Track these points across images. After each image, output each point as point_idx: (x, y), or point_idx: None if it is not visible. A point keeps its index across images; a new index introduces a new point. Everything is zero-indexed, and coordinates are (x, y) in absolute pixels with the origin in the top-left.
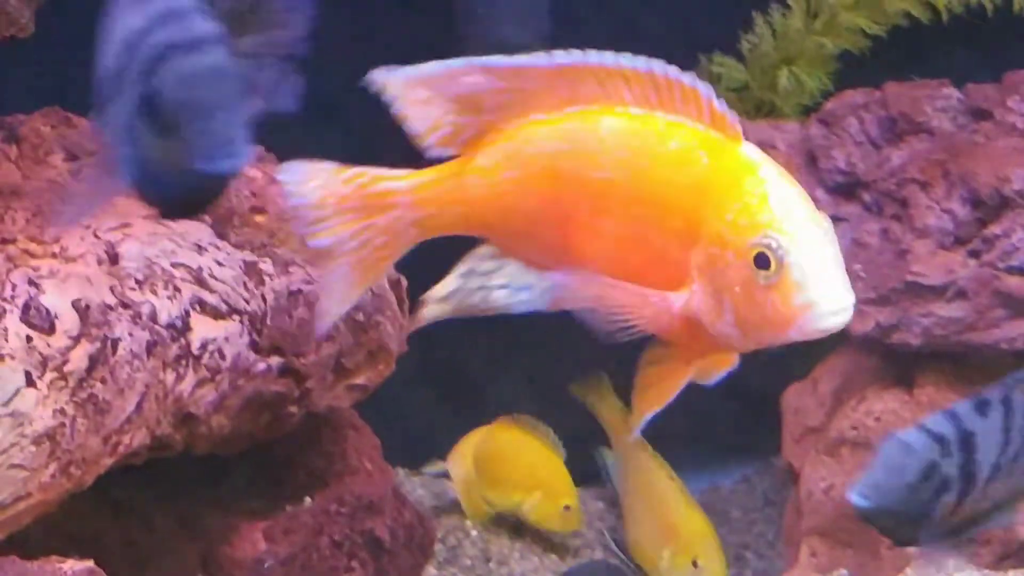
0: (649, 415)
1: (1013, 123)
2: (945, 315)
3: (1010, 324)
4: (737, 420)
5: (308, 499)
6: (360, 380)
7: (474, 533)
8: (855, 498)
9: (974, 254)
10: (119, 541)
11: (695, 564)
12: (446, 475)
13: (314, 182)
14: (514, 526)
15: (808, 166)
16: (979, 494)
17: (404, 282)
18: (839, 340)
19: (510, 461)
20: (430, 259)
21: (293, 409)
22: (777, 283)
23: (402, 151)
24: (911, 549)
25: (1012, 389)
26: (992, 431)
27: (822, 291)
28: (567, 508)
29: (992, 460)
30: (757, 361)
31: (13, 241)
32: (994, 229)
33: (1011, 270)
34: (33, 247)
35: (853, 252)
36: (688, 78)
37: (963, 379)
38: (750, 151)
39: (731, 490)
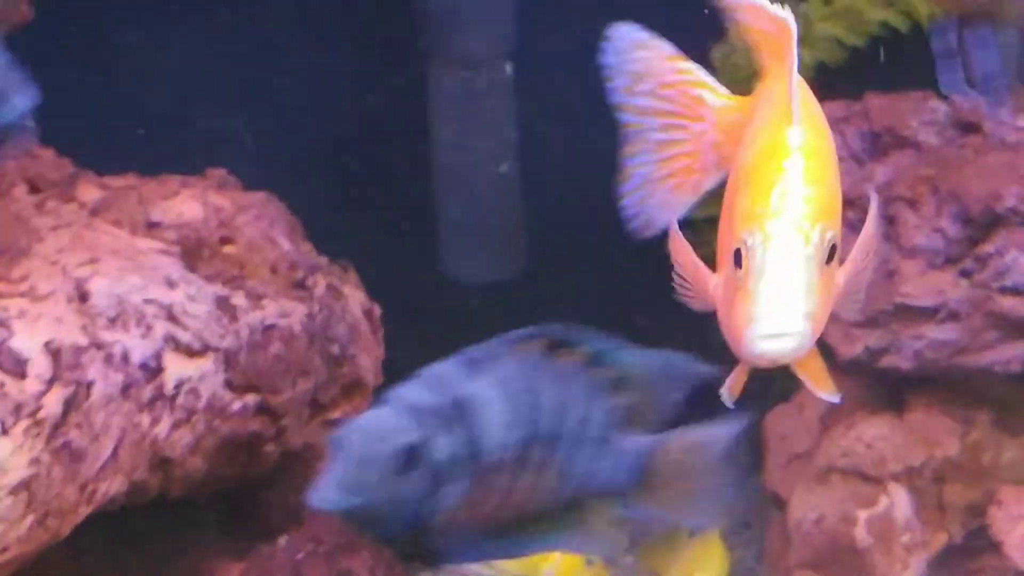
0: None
1: (1002, 137)
2: (937, 338)
3: (1004, 346)
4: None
5: (283, 538)
6: (336, 415)
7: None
8: (316, 500)
9: (965, 274)
10: None
11: None
12: None
13: (641, 53)
14: None
15: None
16: (500, 491)
17: (377, 311)
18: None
19: None
20: None
21: (270, 448)
22: (740, 287)
23: None
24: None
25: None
26: (495, 400)
27: (765, 308)
28: (590, 562)
29: (500, 439)
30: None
31: None
32: (986, 248)
33: (1004, 290)
34: (1, 286)
35: None
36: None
37: (955, 402)
38: (795, 136)
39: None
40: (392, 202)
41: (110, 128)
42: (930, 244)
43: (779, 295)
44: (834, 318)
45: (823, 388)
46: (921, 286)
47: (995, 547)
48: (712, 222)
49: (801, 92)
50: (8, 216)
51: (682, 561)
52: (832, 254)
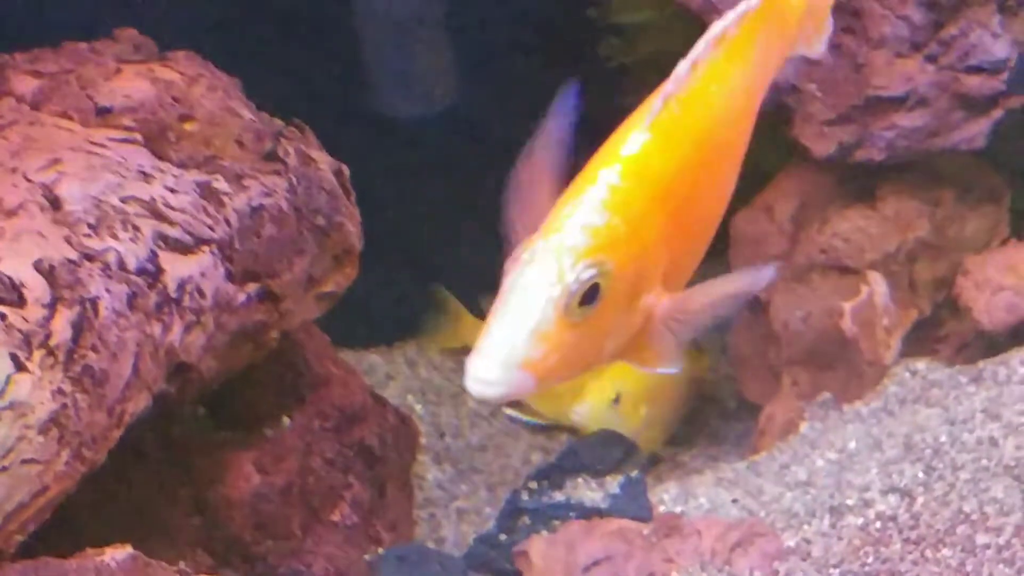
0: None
1: None
2: (907, 125)
3: (968, 124)
4: None
5: (287, 420)
6: (329, 288)
7: (419, 408)
8: None
9: (931, 59)
10: (100, 503)
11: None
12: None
13: None
14: (457, 393)
15: None
16: None
17: (345, 170)
18: (785, 161)
19: None
20: None
21: (273, 334)
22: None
23: None
24: (888, 361)
25: None
26: None
27: (483, 347)
28: (616, 401)
29: None
30: None
31: None
32: (950, 30)
33: (969, 70)
34: None
35: (806, 72)
36: None
37: (923, 185)
38: (631, 143)
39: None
40: (311, 43)
41: None
42: (896, 32)
43: (500, 337)
44: (807, 117)
45: (658, 367)
46: (890, 76)
47: (956, 314)
48: None
49: (704, 81)
50: None
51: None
52: (591, 298)
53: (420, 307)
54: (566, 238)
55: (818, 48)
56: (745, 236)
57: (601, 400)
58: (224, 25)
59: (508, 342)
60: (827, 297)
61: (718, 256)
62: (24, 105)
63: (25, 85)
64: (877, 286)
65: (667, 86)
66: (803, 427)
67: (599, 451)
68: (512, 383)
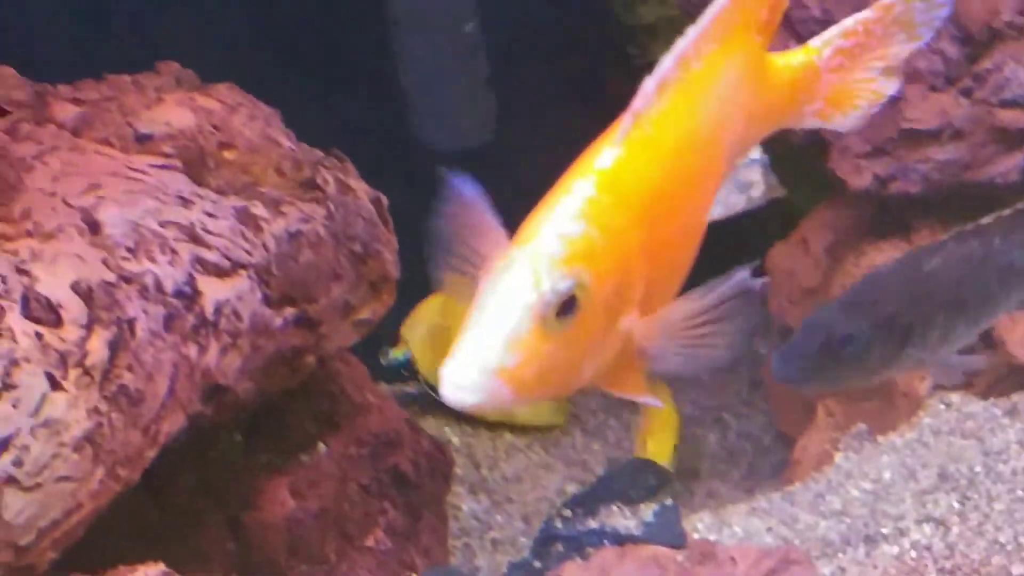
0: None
1: None
2: (942, 158)
3: (1003, 158)
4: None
5: (322, 446)
6: (366, 314)
7: (455, 440)
8: None
9: (966, 92)
10: (134, 523)
11: None
12: (402, 365)
13: None
14: (493, 426)
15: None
16: None
17: (384, 200)
18: (824, 195)
19: None
20: None
21: (309, 359)
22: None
23: None
24: (923, 393)
25: None
26: None
27: (458, 351)
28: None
29: None
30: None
31: None
32: (985, 64)
33: (1004, 104)
34: (3, 227)
35: None
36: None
37: (957, 220)
38: (605, 157)
39: None
40: (352, 73)
41: None
42: (930, 67)
43: (474, 343)
44: (843, 150)
45: (641, 397)
46: (925, 109)
47: (991, 348)
48: None
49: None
50: None
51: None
52: (568, 309)
53: None
54: (542, 246)
55: (842, 122)
56: (780, 269)
57: (665, 455)
58: (264, 61)
59: (483, 348)
60: None
61: None
62: (65, 132)
63: (66, 112)
64: None
65: (635, 103)
66: (838, 458)
67: (633, 479)
68: (488, 390)
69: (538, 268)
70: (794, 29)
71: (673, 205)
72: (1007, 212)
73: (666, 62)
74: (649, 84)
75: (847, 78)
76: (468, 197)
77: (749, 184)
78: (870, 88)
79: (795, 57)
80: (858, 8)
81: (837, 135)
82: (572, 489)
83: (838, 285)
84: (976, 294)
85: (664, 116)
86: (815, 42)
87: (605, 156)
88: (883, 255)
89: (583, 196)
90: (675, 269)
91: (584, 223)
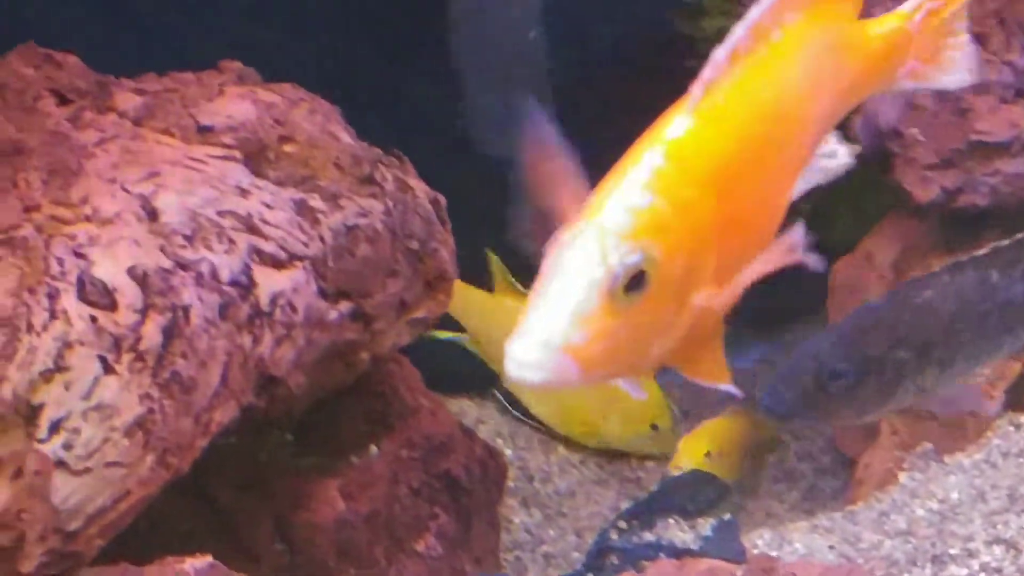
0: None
1: None
2: (1011, 171)
3: None
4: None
5: (374, 448)
6: (421, 313)
7: (509, 452)
8: None
9: None
10: (182, 520)
11: (654, 427)
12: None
13: None
14: (547, 440)
15: None
16: None
17: (442, 200)
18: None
19: None
20: None
21: (363, 355)
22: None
23: None
24: (991, 413)
25: None
26: None
27: (524, 328)
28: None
29: None
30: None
31: (37, 208)
32: None
33: None
34: (61, 212)
35: (909, 116)
36: None
37: None
38: (675, 126)
39: (752, 373)
40: (413, 81)
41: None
42: (1000, 78)
43: (540, 318)
44: (909, 161)
45: (720, 382)
46: (994, 121)
47: None
48: None
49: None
50: (47, 133)
51: None
52: (637, 285)
53: None
54: (609, 219)
55: (943, 79)
56: (844, 284)
57: (698, 461)
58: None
59: (549, 323)
60: None
61: (816, 307)
62: (127, 121)
63: (128, 102)
64: None
65: (704, 72)
66: (902, 477)
67: (691, 492)
68: (554, 367)
69: (605, 242)
70: None
71: (748, 178)
72: (1005, 243)
73: (738, 31)
74: (719, 53)
75: (939, 41)
76: (548, 144)
77: (832, 153)
78: (963, 48)
79: (887, 23)
80: None
81: (903, 146)
82: (626, 506)
83: None
84: (974, 329)
85: (738, 86)
86: (907, 6)
87: (675, 126)
88: None
89: (652, 167)
90: (751, 245)
91: (653, 195)
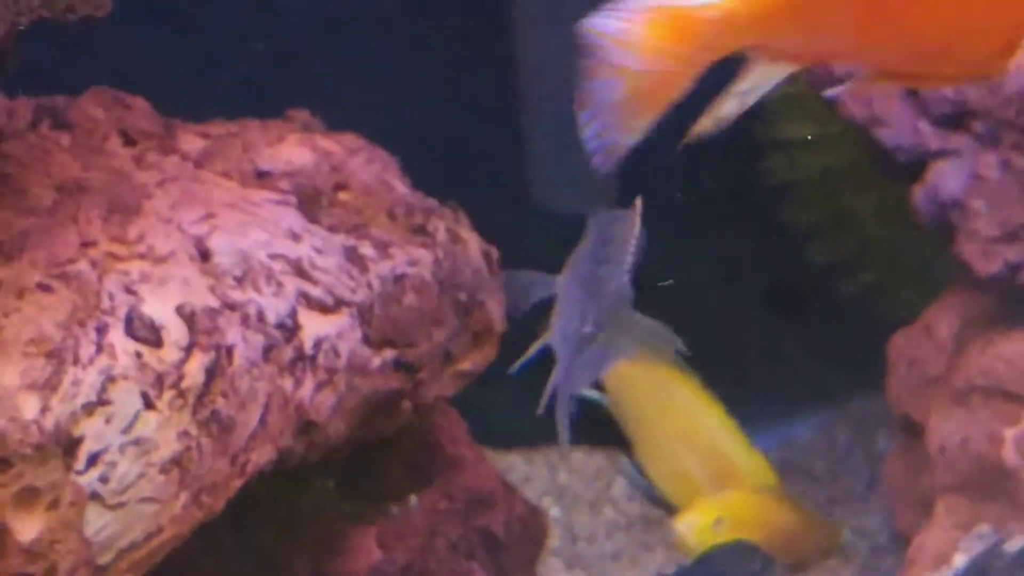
0: None
1: None
2: None
3: None
4: (798, 364)
5: (413, 498)
6: (466, 366)
7: (555, 511)
8: None
9: None
10: (217, 563)
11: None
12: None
13: None
14: (595, 502)
15: (908, 96)
16: None
17: (495, 253)
18: (948, 279)
19: None
20: None
21: (406, 405)
22: None
23: None
24: None
25: None
26: None
27: None
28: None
29: None
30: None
31: (95, 244)
32: None
33: None
34: (117, 248)
35: (972, 187)
36: None
37: None
38: None
39: (809, 441)
40: (474, 131)
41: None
42: None
43: None
44: (972, 233)
45: None
46: None
47: None
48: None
49: None
50: (110, 172)
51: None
52: None
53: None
54: None
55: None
56: (903, 356)
57: (704, 519)
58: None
59: None
60: (988, 422)
61: (876, 381)
62: (188, 163)
63: (191, 145)
64: None
65: None
66: (957, 559)
67: (735, 561)
68: None
69: None
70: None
71: None
72: None
73: None
74: None
75: None
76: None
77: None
78: None
79: None
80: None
81: (965, 217)
82: (667, 572)
83: (962, 375)
84: None
85: None
86: None
87: None
88: (1013, 345)
89: None
90: None
91: None
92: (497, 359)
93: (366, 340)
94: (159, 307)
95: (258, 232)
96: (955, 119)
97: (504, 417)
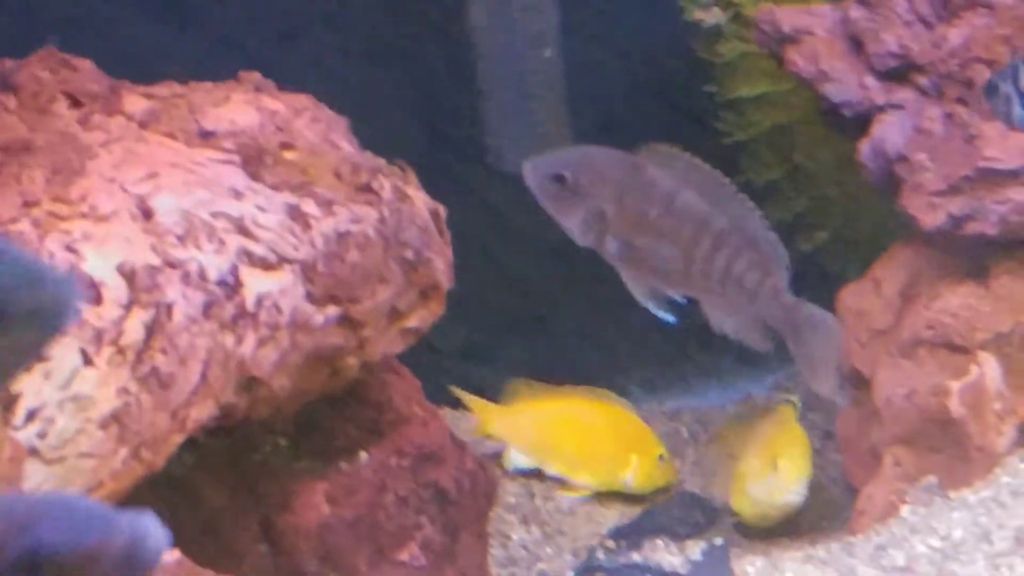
0: None
1: None
2: (1021, 200)
3: None
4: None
5: (363, 454)
6: (413, 323)
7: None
8: None
9: None
10: (168, 518)
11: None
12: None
13: None
14: None
15: (853, 51)
16: None
17: (443, 211)
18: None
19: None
20: None
21: (351, 361)
22: None
23: None
24: (1000, 449)
25: None
26: None
27: None
28: (662, 458)
29: None
30: None
31: (37, 203)
32: None
33: None
34: (59, 208)
35: (916, 140)
36: None
37: None
38: None
39: (766, 398)
40: (429, 95)
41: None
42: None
43: None
44: (916, 187)
45: None
46: (1004, 148)
47: None
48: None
49: None
50: (55, 133)
51: (760, 443)
52: None
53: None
54: None
55: None
56: (851, 310)
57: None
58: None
59: None
60: (934, 374)
61: None
62: (133, 124)
63: (136, 106)
64: (989, 368)
65: None
66: (904, 511)
67: (679, 514)
68: None
69: None
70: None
71: None
72: None
73: None
74: None
75: None
76: None
77: None
78: None
79: None
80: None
81: (910, 171)
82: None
83: (909, 328)
84: None
85: None
86: None
87: None
88: (958, 298)
89: None
90: None
91: None
92: None
93: (309, 297)
94: (100, 265)
95: (201, 191)
96: (900, 73)
97: (464, 375)
